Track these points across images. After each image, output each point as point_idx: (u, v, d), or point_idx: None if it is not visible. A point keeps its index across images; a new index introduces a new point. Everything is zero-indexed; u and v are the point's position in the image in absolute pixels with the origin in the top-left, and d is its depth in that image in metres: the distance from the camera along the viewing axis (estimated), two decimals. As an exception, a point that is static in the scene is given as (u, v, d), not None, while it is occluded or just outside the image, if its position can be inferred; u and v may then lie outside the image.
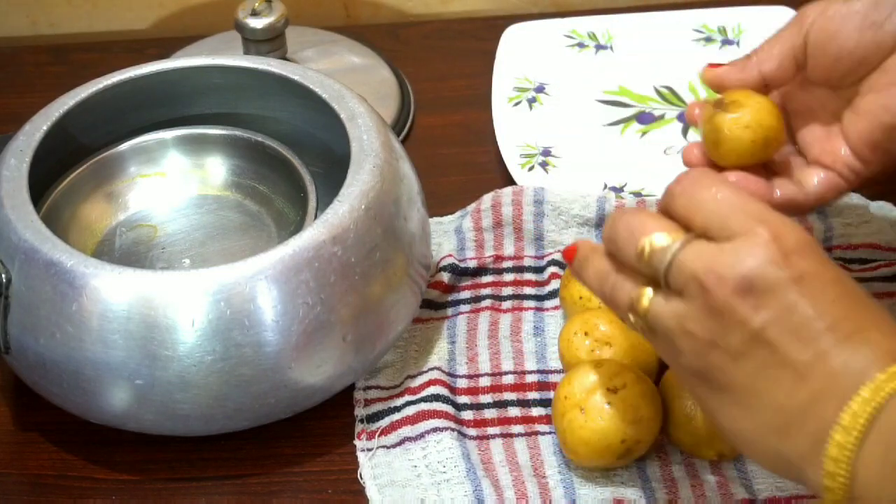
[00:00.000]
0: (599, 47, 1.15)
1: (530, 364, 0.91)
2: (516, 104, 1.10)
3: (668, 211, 0.71)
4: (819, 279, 0.66)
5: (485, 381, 0.90)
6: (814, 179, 0.83)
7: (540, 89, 1.11)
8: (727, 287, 0.66)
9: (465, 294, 0.95)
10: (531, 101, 1.10)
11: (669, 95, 1.11)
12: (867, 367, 0.64)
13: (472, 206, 0.98)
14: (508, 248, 0.97)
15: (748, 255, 0.66)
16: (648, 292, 0.69)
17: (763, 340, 0.65)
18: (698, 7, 1.18)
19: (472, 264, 0.96)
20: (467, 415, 0.88)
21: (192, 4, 1.24)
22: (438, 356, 0.91)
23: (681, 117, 1.09)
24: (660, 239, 0.69)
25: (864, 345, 0.65)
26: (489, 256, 0.97)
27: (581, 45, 1.15)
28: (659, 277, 0.69)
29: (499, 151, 1.05)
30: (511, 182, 1.02)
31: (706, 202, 0.69)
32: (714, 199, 0.68)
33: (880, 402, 0.63)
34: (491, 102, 1.09)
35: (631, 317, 0.71)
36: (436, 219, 0.99)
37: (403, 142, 1.07)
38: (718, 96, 0.83)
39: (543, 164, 1.05)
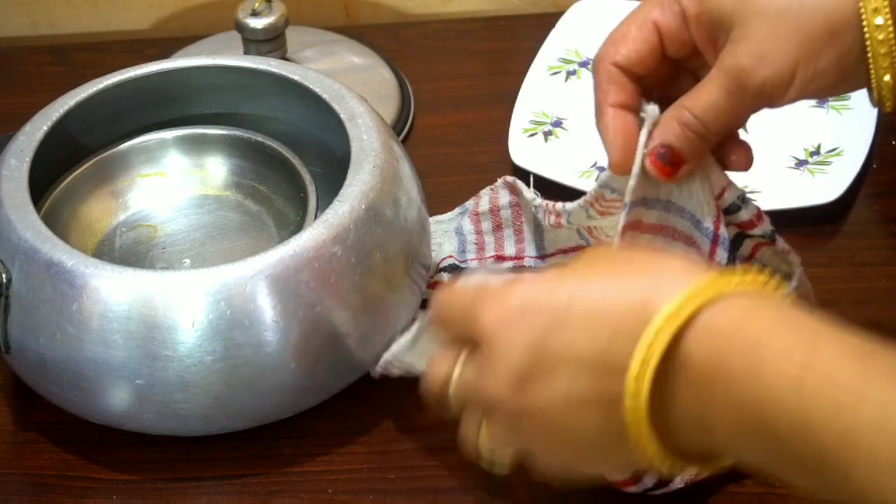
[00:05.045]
0: None
1: (530, 364, 0.91)
2: (554, 73, 1.09)
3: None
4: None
5: (485, 381, 0.90)
6: None
7: (585, 63, 1.10)
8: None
9: (465, 294, 0.95)
10: (571, 73, 1.10)
11: None
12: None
13: (471, 204, 0.98)
14: (509, 249, 0.97)
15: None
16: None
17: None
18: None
19: (472, 265, 0.96)
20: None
21: (192, 4, 1.24)
22: (438, 356, 0.91)
23: None
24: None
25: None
26: (490, 257, 0.96)
27: None
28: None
29: (499, 151, 1.05)
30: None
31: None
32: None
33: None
34: (491, 102, 1.09)
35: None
36: (436, 217, 0.99)
37: (403, 142, 1.07)
38: None
39: (547, 133, 1.04)
